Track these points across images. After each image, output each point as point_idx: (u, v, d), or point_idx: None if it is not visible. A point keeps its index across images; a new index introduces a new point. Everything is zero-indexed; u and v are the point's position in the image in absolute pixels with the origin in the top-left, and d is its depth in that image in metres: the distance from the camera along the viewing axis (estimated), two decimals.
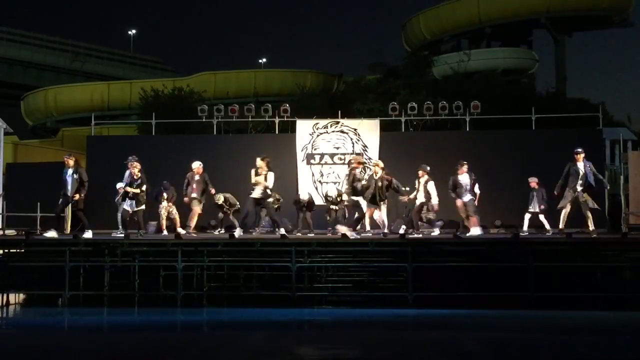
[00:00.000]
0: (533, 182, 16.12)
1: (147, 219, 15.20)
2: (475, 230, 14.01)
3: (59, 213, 14.37)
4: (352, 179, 13.80)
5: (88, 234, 13.83)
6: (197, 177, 15.38)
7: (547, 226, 16.09)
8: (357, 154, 18.30)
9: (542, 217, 16.16)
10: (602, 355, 9.07)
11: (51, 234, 13.70)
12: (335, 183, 16.16)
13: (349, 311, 12.58)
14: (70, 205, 14.34)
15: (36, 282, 13.56)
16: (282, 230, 13.58)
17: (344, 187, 14.36)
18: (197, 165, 15.46)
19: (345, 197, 15.05)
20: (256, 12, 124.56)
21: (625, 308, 12.00)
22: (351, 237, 13.09)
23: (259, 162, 13.50)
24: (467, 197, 14.16)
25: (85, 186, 13.84)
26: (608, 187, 15.07)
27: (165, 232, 15.24)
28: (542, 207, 15.93)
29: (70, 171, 13.84)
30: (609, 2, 37.69)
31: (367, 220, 15.07)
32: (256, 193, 13.43)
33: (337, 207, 15.87)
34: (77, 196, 13.70)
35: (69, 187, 13.76)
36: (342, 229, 13.45)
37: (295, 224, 16.47)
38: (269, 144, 19.11)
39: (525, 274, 12.20)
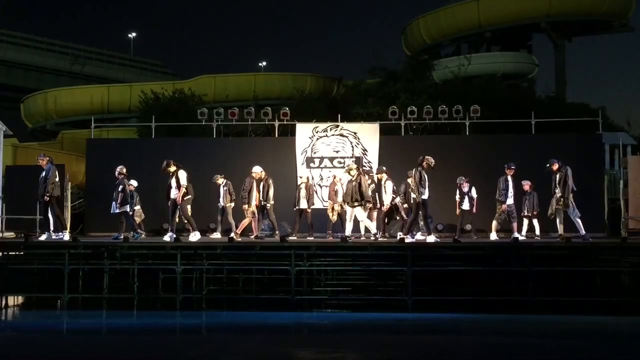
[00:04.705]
0: (526, 185, 16.25)
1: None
2: (515, 234, 14.67)
3: (43, 215, 14.38)
4: (359, 186, 13.98)
5: (45, 237, 13.91)
6: (261, 184, 15.34)
7: (537, 231, 16.23)
8: (357, 158, 18.36)
9: (535, 221, 16.30)
10: None
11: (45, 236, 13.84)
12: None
13: (348, 315, 12.57)
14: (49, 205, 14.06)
15: (35, 285, 13.53)
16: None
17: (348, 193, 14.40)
18: (258, 170, 15.46)
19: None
20: (256, 15, 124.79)
21: (625, 312, 11.98)
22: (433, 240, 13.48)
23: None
24: (510, 201, 14.90)
25: (56, 184, 13.82)
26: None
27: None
28: (535, 211, 16.18)
29: (43, 172, 13.87)
30: (608, 7, 37.72)
31: (361, 224, 15.16)
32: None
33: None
34: (46, 197, 13.72)
35: (40, 188, 13.82)
36: (430, 239, 13.57)
37: (293, 227, 16.51)
38: (269, 147, 19.14)
39: (525, 278, 12.19)
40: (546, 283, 12.49)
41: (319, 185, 18.58)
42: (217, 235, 16.45)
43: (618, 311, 11.93)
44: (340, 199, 15.91)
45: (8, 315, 13.21)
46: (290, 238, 14.84)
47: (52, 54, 52.70)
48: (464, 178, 16.39)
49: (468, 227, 16.89)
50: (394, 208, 15.39)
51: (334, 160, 18.80)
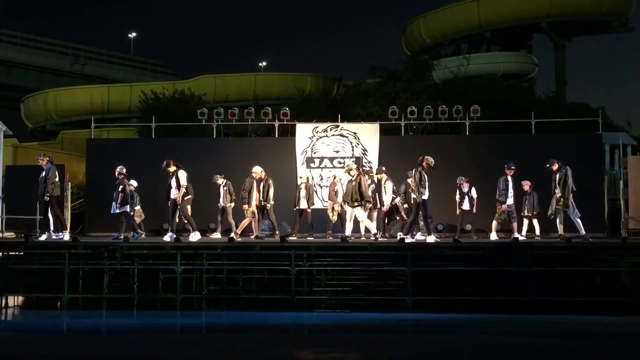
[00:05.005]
0: (526, 185, 16.28)
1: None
2: (515, 234, 14.69)
3: (43, 215, 14.37)
4: (359, 186, 13.98)
5: (45, 237, 13.91)
6: (261, 184, 15.34)
7: (537, 231, 16.24)
8: (357, 158, 18.37)
9: (535, 221, 16.31)
10: None
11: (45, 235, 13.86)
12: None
13: (348, 315, 12.57)
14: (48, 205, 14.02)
15: (35, 285, 13.53)
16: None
17: (349, 194, 14.38)
18: (258, 170, 15.47)
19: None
20: (256, 15, 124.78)
21: (625, 312, 11.98)
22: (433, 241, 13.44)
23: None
24: (510, 201, 14.90)
25: (56, 184, 13.81)
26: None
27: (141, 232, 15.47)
28: (535, 211, 16.21)
29: (43, 172, 13.86)
30: (608, 7, 37.74)
31: (361, 225, 15.15)
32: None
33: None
34: (46, 197, 13.70)
35: (40, 188, 13.81)
36: (430, 239, 13.55)
37: (293, 227, 16.51)
38: (269, 147, 19.14)
39: (525, 278, 12.19)
40: (546, 283, 12.48)
41: (319, 185, 18.59)
42: (217, 235, 16.46)
43: (618, 311, 11.93)
44: (340, 199, 15.91)
45: (8, 315, 13.22)
46: (290, 238, 14.85)
47: (52, 54, 52.66)
48: (464, 178, 16.40)
49: (468, 227, 16.90)
50: (394, 208, 15.40)
51: (334, 161, 18.80)
